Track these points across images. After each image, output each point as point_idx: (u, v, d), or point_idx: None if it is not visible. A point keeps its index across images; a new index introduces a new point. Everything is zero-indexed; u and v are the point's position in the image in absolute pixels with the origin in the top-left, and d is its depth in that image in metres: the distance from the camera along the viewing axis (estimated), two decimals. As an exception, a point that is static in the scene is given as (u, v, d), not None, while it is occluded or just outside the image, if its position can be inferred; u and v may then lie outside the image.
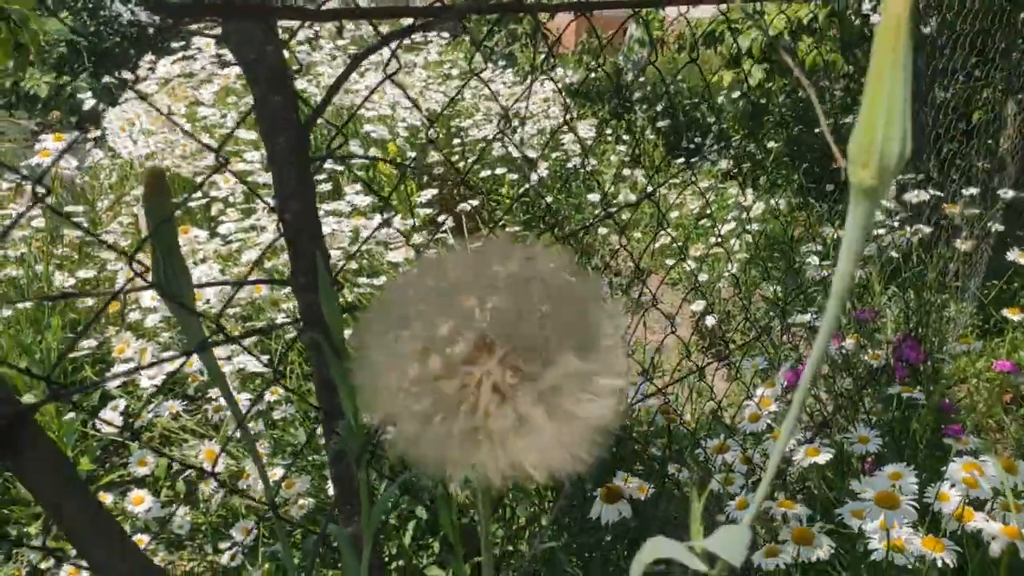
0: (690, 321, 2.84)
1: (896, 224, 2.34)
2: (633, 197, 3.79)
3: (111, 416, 1.75)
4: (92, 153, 2.70)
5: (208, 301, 1.96)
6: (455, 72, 4.01)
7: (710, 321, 2.68)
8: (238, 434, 1.71)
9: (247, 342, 1.89)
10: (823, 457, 1.16)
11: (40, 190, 0.50)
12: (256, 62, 0.62)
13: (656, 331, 2.38)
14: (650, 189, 3.74)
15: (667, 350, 2.60)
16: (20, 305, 1.85)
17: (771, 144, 3.99)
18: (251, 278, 2.13)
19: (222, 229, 2.29)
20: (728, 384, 2.41)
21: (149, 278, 0.51)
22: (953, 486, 1.00)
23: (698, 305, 2.73)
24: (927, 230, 2.22)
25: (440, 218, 2.47)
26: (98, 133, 2.82)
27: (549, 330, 0.35)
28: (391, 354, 0.36)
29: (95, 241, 2.24)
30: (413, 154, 3.10)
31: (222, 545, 1.71)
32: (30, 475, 0.41)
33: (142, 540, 1.55)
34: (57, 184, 2.28)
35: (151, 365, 0.57)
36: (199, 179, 2.40)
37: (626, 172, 3.97)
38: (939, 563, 0.93)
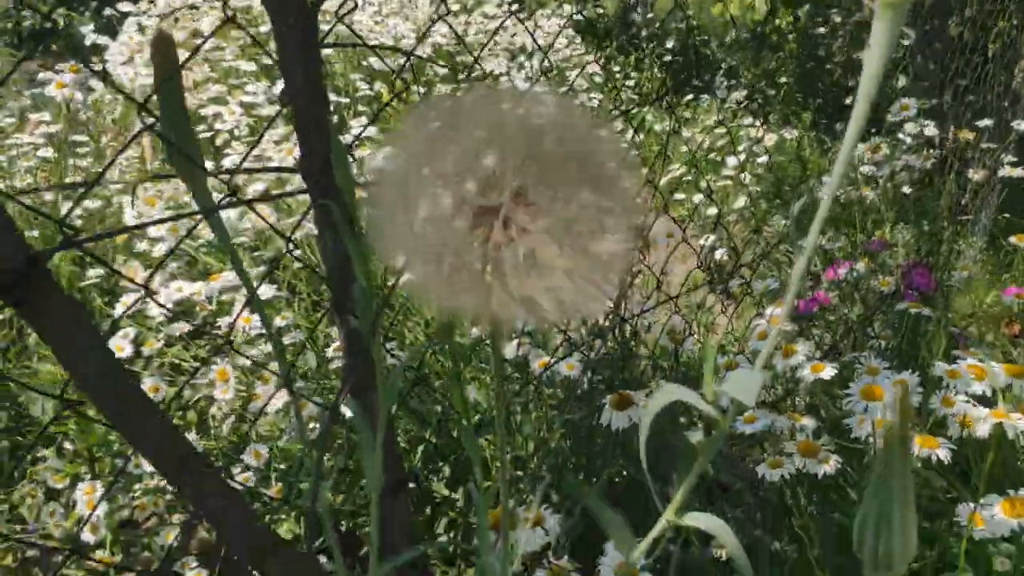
0: (697, 247, 2.82)
1: (907, 157, 2.31)
2: (640, 136, 3.75)
3: (121, 344, 1.76)
4: (94, 87, 2.67)
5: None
6: (456, 7, 3.95)
7: (718, 254, 2.67)
8: (242, 360, 1.71)
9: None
10: (828, 372, 1.16)
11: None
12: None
13: (673, 263, 2.37)
14: (657, 115, 3.70)
15: (672, 285, 2.59)
16: (28, 233, 1.85)
17: (782, 80, 3.93)
18: (259, 209, 2.12)
19: (227, 162, 2.28)
20: (734, 313, 2.41)
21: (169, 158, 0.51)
22: (958, 393, 1.00)
23: (706, 239, 2.72)
24: (936, 160, 2.20)
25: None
26: (100, 67, 2.79)
27: (562, 167, 0.35)
28: (403, 195, 0.35)
29: (100, 173, 2.22)
30: (421, 89, 3.07)
31: (234, 469, 1.74)
32: (47, 326, 0.40)
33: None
34: (63, 115, 2.26)
35: (170, 220, 0.57)
36: (202, 110, 2.39)
37: (634, 111, 3.93)
38: (933, 459, 0.94)
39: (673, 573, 1.32)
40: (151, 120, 0.59)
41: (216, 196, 1.98)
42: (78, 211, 2.06)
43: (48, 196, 2.00)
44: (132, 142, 0.56)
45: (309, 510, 0.58)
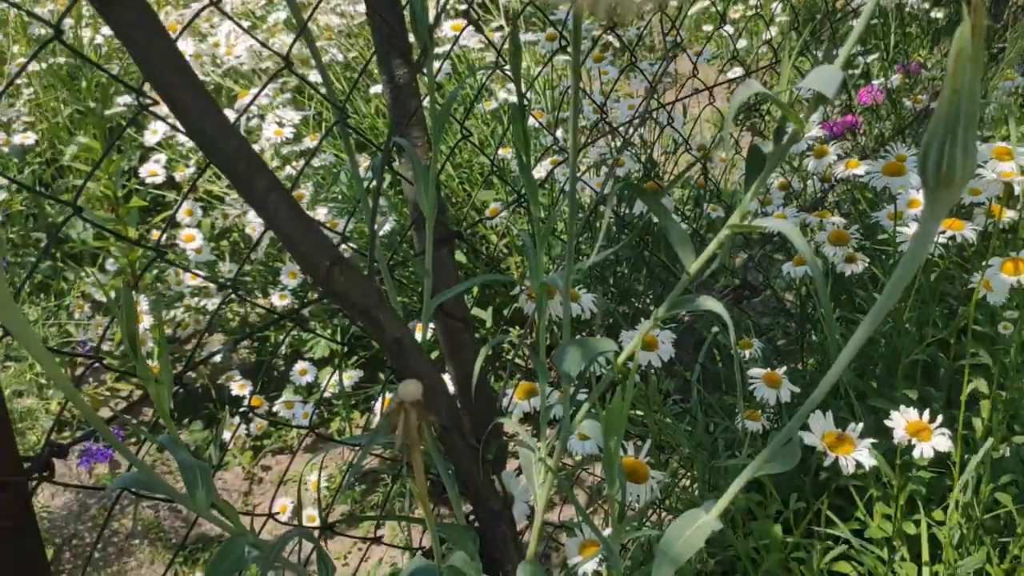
0: (726, 92, 2.78)
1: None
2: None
3: (155, 168, 1.78)
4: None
5: (239, 56, 1.94)
6: None
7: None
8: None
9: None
10: (863, 168, 1.17)
11: None
12: None
13: (692, 106, 2.33)
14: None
15: (700, 123, 2.57)
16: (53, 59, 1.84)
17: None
18: (280, 37, 2.09)
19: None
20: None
21: None
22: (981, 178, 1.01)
23: (735, 73, 2.66)
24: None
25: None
26: None
27: None
28: None
29: None
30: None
31: (271, 290, 1.79)
32: (129, 32, 0.42)
33: (196, 275, 1.62)
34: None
35: None
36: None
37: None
38: (958, 239, 0.96)
39: (696, 377, 1.37)
40: None
41: None
42: (99, 37, 2.04)
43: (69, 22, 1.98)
44: None
45: (368, 251, 0.60)
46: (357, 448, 1.69)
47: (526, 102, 0.80)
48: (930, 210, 0.36)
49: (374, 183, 0.67)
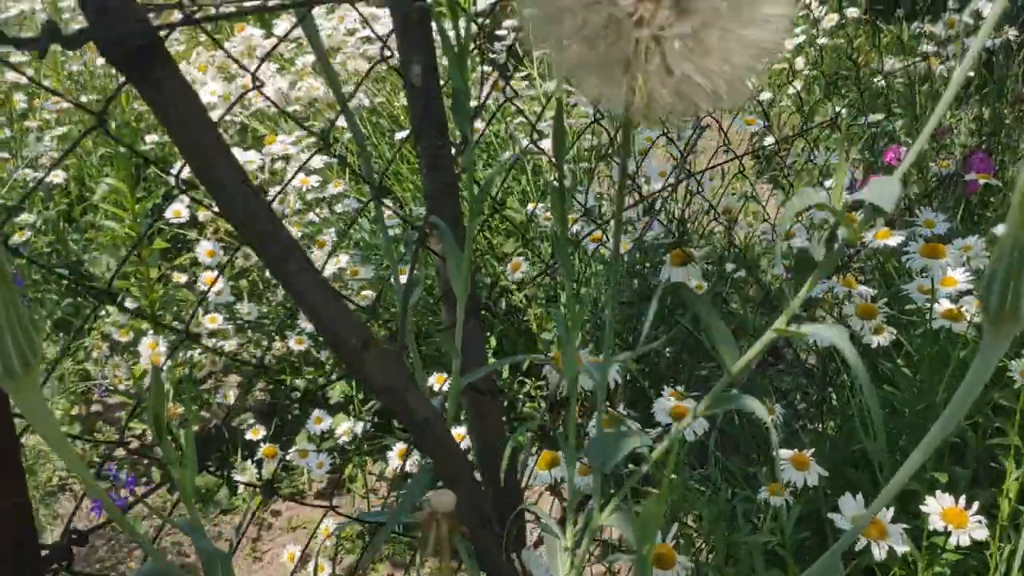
0: (747, 140, 2.78)
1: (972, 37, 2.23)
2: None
3: (178, 208, 1.79)
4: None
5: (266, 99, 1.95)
6: None
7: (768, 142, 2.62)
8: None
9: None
10: (895, 240, 1.16)
11: None
12: None
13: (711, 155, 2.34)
14: None
15: (725, 173, 2.57)
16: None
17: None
18: (308, 80, 2.11)
19: (278, 30, 2.26)
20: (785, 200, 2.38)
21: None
22: None
23: (756, 126, 2.66)
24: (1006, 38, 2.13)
25: None
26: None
27: None
28: None
29: None
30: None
31: (289, 334, 1.78)
32: (166, 107, 0.41)
33: (216, 318, 1.61)
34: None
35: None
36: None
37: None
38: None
39: (713, 442, 1.35)
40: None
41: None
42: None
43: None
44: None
45: (398, 321, 0.60)
46: (367, 497, 1.67)
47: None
48: (992, 341, 0.35)
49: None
